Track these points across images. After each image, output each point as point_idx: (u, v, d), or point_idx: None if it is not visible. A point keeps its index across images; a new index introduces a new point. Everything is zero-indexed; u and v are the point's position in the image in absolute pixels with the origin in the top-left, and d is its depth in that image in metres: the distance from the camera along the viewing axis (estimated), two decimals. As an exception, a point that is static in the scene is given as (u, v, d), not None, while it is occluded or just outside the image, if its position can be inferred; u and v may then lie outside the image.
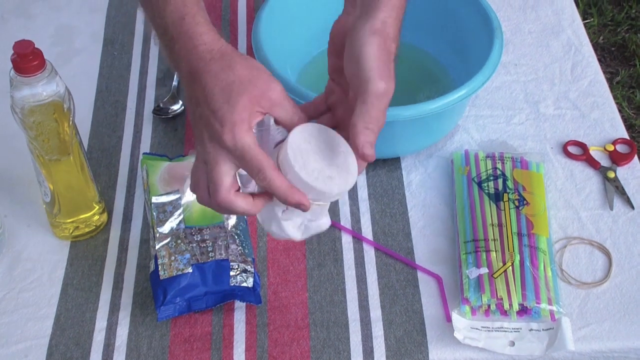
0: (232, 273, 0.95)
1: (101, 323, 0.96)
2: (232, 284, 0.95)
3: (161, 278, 0.94)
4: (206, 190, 0.79)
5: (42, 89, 0.89)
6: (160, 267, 0.95)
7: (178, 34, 0.80)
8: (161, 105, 1.18)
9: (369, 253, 1.02)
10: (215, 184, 0.77)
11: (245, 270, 0.96)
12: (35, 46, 0.88)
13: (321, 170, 0.77)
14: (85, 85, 1.23)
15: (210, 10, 1.32)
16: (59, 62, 1.26)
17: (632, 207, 1.07)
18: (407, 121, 1.01)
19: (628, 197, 1.07)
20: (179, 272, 0.94)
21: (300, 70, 1.21)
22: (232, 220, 0.99)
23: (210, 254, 0.96)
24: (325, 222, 0.83)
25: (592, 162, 1.12)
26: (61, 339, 0.94)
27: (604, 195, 1.08)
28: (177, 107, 1.18)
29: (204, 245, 0.96)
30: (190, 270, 0.94)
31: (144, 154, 1.08)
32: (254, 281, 0.96)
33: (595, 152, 1.13)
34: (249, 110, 0.76)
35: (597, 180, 1.10)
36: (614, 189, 1.09)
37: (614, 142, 1.14)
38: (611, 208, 1.06)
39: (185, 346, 0.94)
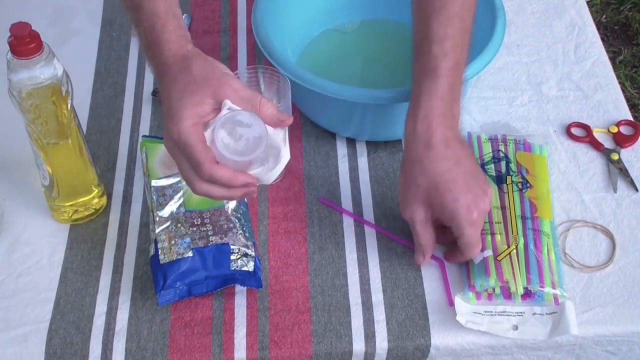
0: (232, 257, 0.94)
1: (101, 307, 0.95)
2: (233, 268, 0.94)
3: (161, 262, 0.93)
4: (192, 173, 0.83)
5: (39, 72, 0.88)
6: (160, 251, 0.94)
7: (149, 42, 0.87)
8: (160, 87, 1.17)
9: (371, 236, 1.01)
10: (197, 166, 0.81)
11: (245, 254, 0.95)
12: (32, 28, 0.87)
13: (244, 145, 0.82)
14: (83, 66, 1.21)
15: (210, -9, 1.31)
16: (56, 43, 1.24)
17: (636, 190, 1.06)
18: (407, 103, 1.00)
19: (632, 180, 1.06)
20: (179, 257, 0.93)
21: (301, 51, 1.20)
22: (232, 204, 0.98)
23: (210, 238, 0.95)
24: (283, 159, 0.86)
25: (595, 144, 1.11)
26: (61, 323, 0.94)
27: (607, 177, 1.07)
28: (176, 88, 1.17)
29: (204, 229, 0.96)
30: (191, 255, 0.94)
31: (143, 136, 1.07)
32: (255, 265, 0.95)
33: (598, 134, 1.12)
34: (201, 106, 0.81)
35: (600, 163, 1.09)
36: (618, 171, 1.08)
37: (618, 124, 1.13)
38: (615, 190, 1.05)
39: (186, 330, 0.93)
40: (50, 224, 1.03)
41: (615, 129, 1.12)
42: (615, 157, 1.09)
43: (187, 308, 0.95)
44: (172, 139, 0.82)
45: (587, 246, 1.00)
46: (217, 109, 0.82)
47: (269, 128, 0.84)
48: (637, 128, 1.12)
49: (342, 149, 1.10)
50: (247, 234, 0.97)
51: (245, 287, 0.96)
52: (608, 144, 1.11)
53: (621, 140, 1.11)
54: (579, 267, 0.98)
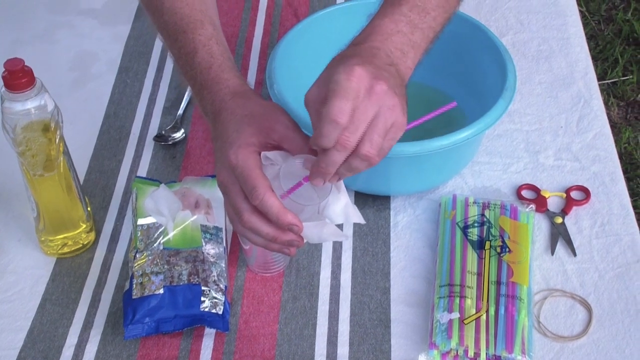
0: (203, 298, 0.96)
1: (72, 339, 0.97)
2: (202, 309, 0.95)
3: (133, 297, 0.95)
4: (242, 202, 0.83)
5: (30, 105, 0.92)
6: (134, 286, 0.96)
7: (205, 81, 0.90)
8: (163, 132, 1.21)
9: (345, 290, 1.02)
10: (251, 189, 0.81)
11: (216, 297, 0.96)
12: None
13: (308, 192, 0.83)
14: (95, 109, 1.26)
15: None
16: (74, 86, 1.31)
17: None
18: (402, 158, 1.01)
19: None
20: (150, 293, 0.95)
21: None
22: (209, 246, 1.00)
23: (183, 278, 0.97)
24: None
25: (585, 215, 1.09)
26: (30, 351, 0.96)
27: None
28: (178, 135, 1.20)
29: (179, 268, 0.97)
30: (162, 292, 0.95)
31: (136, 177, 1.10)
32: (224, 308, 0.96)
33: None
34: (257, 137, 0.83)
35: (588, 234, 1.08)
36: (605, 243, 1.06)
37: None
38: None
39: (150, 368, 0.94)
40: (37, 256, 1.06)
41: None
42: (604, 229, 1.07)
43: (155, 346, 0.96)
44: (228, 166, 0.82)
45: (563, 316, 0.98)
46: (270, 144, 0.84)
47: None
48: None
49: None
50: (220, 277, 0.98)
51: (215, 330, 0.97)
52: (599, 216, 1.10)
53: (613, 213, 1.09)
54: (551, 337, 0.96)
